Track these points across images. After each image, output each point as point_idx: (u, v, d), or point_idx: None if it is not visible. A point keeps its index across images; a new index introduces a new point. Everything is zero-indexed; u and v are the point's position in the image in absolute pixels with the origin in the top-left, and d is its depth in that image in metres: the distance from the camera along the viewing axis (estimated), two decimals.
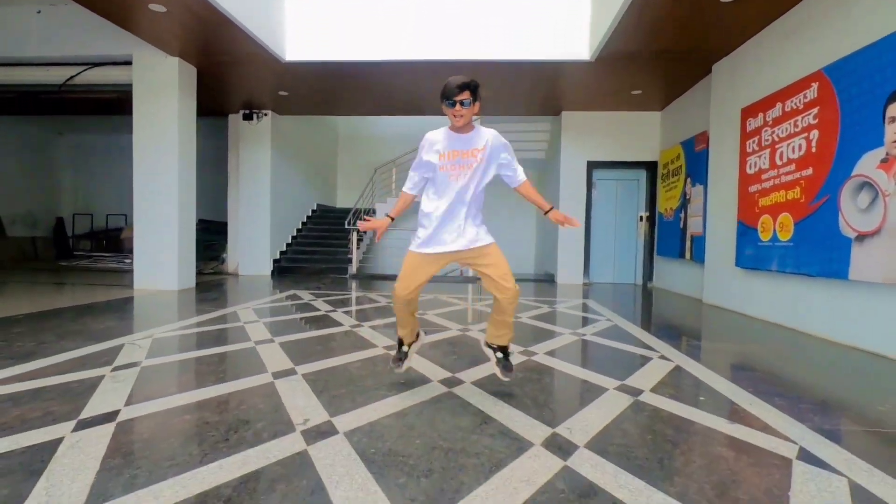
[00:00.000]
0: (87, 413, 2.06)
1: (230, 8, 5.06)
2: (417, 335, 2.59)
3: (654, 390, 2.54)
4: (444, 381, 2.61)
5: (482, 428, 1.99)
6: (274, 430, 1.91)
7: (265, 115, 8.89)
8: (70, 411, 2.08)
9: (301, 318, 4.57)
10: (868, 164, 3.50)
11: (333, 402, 2.26)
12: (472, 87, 2.14)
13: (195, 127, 6.78)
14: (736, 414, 2.23)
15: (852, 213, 3.65)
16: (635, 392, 2.49)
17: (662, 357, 3.27)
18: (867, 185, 3.50)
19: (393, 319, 4.53)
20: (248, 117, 8.86)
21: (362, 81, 7.21)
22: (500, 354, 2.45)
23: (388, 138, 12.48)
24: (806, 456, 1.80)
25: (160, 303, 5.38)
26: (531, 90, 7.42)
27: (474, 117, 2.27)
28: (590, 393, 2.48)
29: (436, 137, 2.29)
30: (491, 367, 2.64)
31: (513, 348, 3.40)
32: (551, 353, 3.31)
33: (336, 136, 12.92)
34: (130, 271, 6.56)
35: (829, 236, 3.89)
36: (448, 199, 2.25)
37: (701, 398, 2.45)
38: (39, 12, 6.40)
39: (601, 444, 1.85)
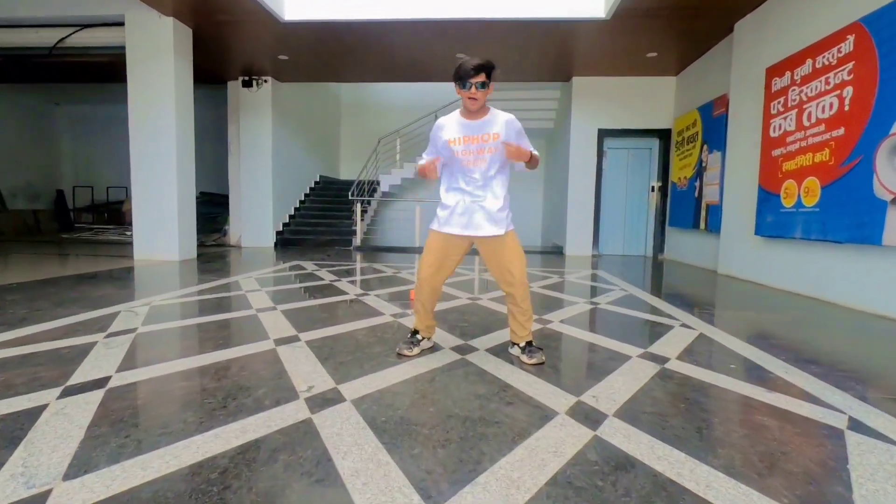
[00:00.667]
0: (75, 380, 1.92)
1: None
2: (430, 339, 2.49)
3: (680, 358, 2.38)
4: (457, 349, 2.46)
5: (501, 395, 1.84)
6: (276, 398, 1.77)
7: (265, 81, 8.59)
8: (58, 377, 1.94)
9: (304, 288, 4.42)
10: None
11: (340, 368, 2.12)
12: (488, 69, 2.08)
13: (192, 91, 6.53)
14: (772, 382, 2.07)
15: (889, 175, 3.42)
16: (661, 360, 2.34)
17: (684, 325, 3.11)
18: None
19: (400, 288, 4.39)
20: (247, 84, 8.56)
21: (365, 43, 6.89)
22: (522, 344, 2.33)
23: (393, 107, 12.13)
24: (857, 426, 1.64)
25: (160, 272, 5.24)
26: (542, 53, 7.09)
27: (488, 99, 2.19)
28: (613, 361, 2.32)
29: (446, 122, 2.24)
30: (506, 335, 2.49)
31: None
32: (566, 322, 3.16)
33: (339, 105, 12.58)
34: (132, 243, 6.41)
35: (861, 200, 3.67)
36: (465, 184, 2.23)
37: (732, 366, 2.29)
38: None
39: (631, 413, 1.70)
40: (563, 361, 2.33)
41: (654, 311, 3.59)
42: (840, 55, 3.93)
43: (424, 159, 2.29)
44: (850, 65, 3.81)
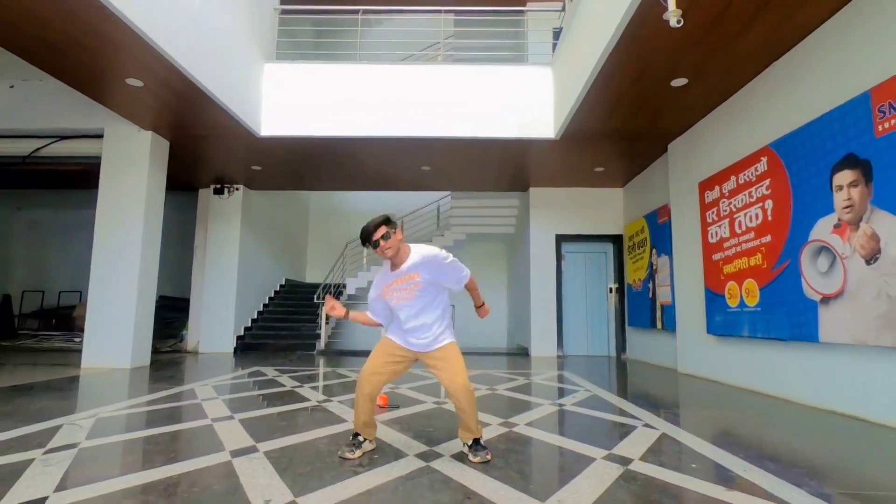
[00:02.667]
0: (7, 503, 1.77)
1: (207, 83, 5.20)
2: (372, 441, 2.55)
3: (643, 458, 2.39)
4: (421, 455, 2.41)
5: None
6: None
7: (237, 189, 8.89)
8: None
9: (263, 395, 4.26)
10: (823, 230, 3.68)
11: (299, 480, 2.03)
12: (383, 223, 2.30)
13: (163, 200, 6.68)
14: (732, 481, 2.11)
15: (814, 277, 3.77)
16: (624, 461, 2.35)
17: (647, 425, 3.14)
18: (825, 249, 3.66)
19: None
20: (219, 192, 8.83)
21: (335, 157, 7.36)
22: (470, 442, 2.42)
23: (360, 213, 12.59)
24: None
25: (109, 381, 4.96)
26: (500, 167, 7.72)
27: (409, 240, 2.48)
28: (577, 463, 2.31)
29: (377, 279, 2.48)
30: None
31: (492, 419, 3.21)
32: (532, 424, 3.14)
33: (307, 211, 12.96)
34: (80, 350, 6.09)
35: (794, 300, 3.98)
36: (410, 318, 2.41)
37: (693, 465, 2.32)
38: (12, 87, 6.42)
39: None
40: (529, 465, 2.31)
41: (619, 411, 3.62)
42: (757, 173, 4.48)
43: (333, 303, 2.41)
44: (767, 181, 4.35)
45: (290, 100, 6.60)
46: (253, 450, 2.47)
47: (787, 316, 4.07)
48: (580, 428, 3.13)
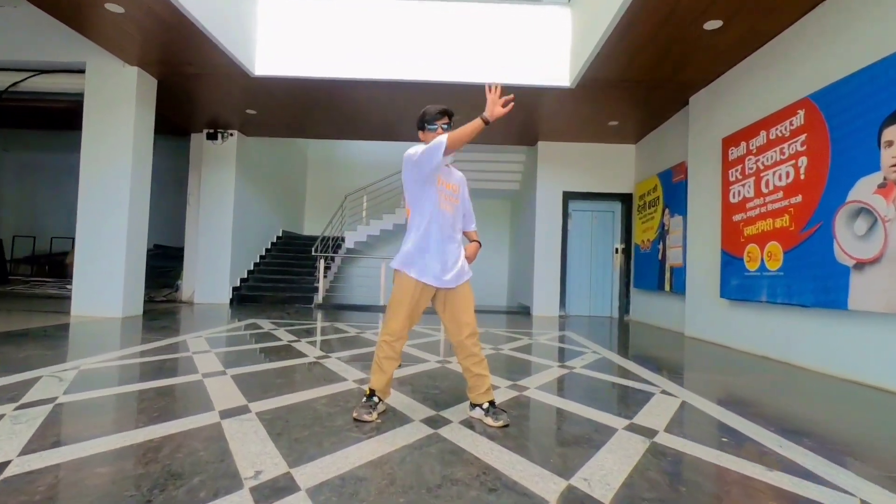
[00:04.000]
0: None
1: (196, 12, 4.74)
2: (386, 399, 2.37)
3: (668, 430, 2.21)
4: (428, 421, 2.22)
5: (482, 480, 1.61)
6: (215, 487, 1.48)
7: (231, 135, 8.46)
8: None
9: (259, 349, 4.08)
10: (864, 190, 3.40)
11: (295, 447, 1.83)
12: (450, 115, 2.23)
13: (152, 143, 6.29)
14: (769, 457, 1.92)
15: (849, 241, 3.52)
16: (649, 433, 2.16)
17: (664, 392, 2.97)
18: (864, 210, 3.38)
19: (363, 350, 4.11)
20: (212, 137, 8.41)
21: (335, 101, 6.93)
22: (485, 405, 2.23)
23: (360, 164, 12.18)
24: None
25: (98, 331, 4.77)
26: (509, 117, 7.23)
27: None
28: (598, 434, 2.13)
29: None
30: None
31: (500, 381, 3.03)
32: (543, 388, 2.97)
33: (305, 161, 12.53)
34: (71, 297, 5.89)
35: (823, 265, 3.74)
36: (439, 228, 2.22)
37: (724, 439, 2.13)
38: None
39: (630, 500, 1.50)
40: (546, 435, 2.12)
41: (631, 376, 3.45)
42: (792, 128, 4.15)
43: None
44: (803, 137, 4.02)
45: (287, 37, 6.11)
46: (245, 410, 2.28)
47: (813, 281, 3.84)
48: (594, 393, 2.95)
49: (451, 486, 1.55)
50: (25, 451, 1.71)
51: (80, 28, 5.08)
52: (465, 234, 2.46)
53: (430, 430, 2.09)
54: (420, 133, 2.28)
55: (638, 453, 1.91)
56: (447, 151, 2.07)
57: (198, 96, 6.97)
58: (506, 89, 2.18)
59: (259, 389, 2.68)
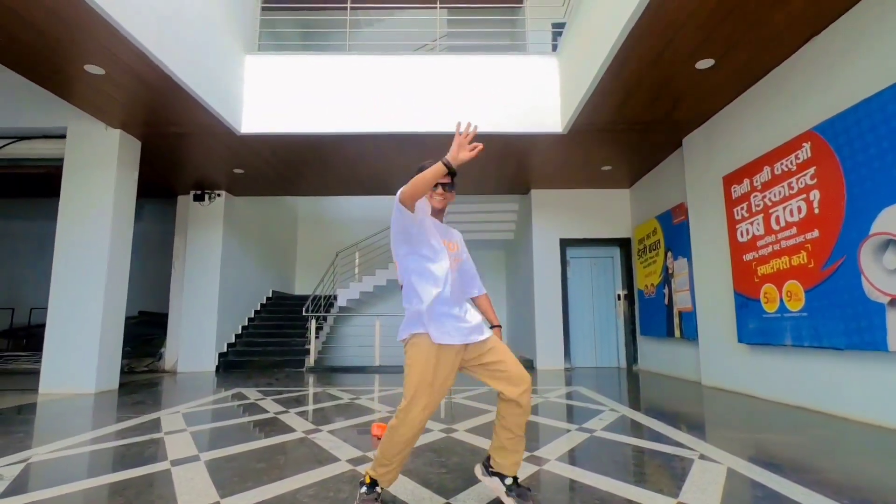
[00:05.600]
0: None
1: (179, 72, 4.64)
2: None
3: None
4: None
5: None
6: None
7: (218, 195, 8.28)
8: None
9: (240, 425, 3.65)
10: (890, 221, 3.18)
11: None
12: (453, 172, 1.81)
13: (134, 206, 6.06)
14: None
15: (879, 275, 3.26)
16: None
17: (703, 457, 2.59)
18: (893, 242, 3.15)
19: (359, 420, 3.70)
20: (199, 198, 8.22)
21: (322, 156, 6.81)
22: (508, 481, 1.84)
23: (352, 220, 11.99)
24: None
25: (65, 411, 4.32)
26: (500, 166, 7.20)
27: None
28: None
29: (419, 215, 1.86)
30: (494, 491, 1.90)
31: None
32: (565, 459, 2.58)
33: (295, 219, 12.32)
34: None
35: (853, 303, 3.47)
36: (450, 283, 1.88)
37: None
38: None
39: None
40: None
41: (660, 437, 3.06)
42: (799, 161, 3.99)
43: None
44: (812, 170, 3.85)
45: (274, 95, 6.06)
46: None
47: (844, 321, 3.55)
48: (625, 463, 2.56)
49: None
50: None
51: (59, 91, 4.95)
52: (474, 300, 2.15)
53: None
54: None
55: None
56: (406, 205, 1.76)
57: (183, 157, 6.82)
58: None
59: (236, 478, 2.28)
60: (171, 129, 5.83)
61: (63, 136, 5.82)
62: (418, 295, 1.83)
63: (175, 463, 2.55)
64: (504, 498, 1.83)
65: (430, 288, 1.83)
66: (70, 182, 5.64)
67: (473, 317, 1.92)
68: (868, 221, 3.34)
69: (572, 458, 2.62)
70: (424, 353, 1.78)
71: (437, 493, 2.06)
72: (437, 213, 1.98)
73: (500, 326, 2.09)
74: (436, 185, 1.87)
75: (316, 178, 7.92)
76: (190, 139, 6.14)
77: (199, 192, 8.21)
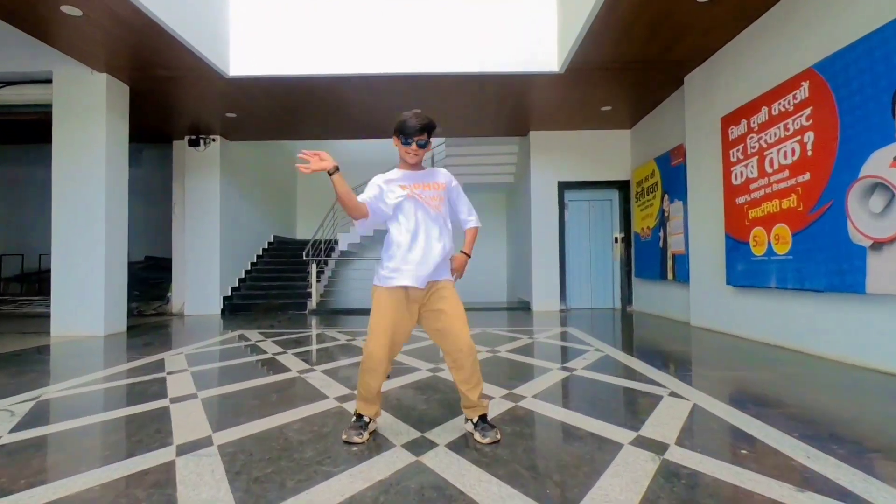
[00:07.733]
0: None
1: (159, 12, 4.47)
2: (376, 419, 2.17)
3: (680, 443, 1.97)
4: (410, 446, 1.98)
5: None
6: None
7: (213, 140, 8.20)
8: None
9: (239, 366, 3.84)
10: (878, 164, 3.14)
11: (252, 490, 1.60)
12: (430, 129, 2.06)
13: (127, 151, 6.04)
14: (797, 473, 1.68)
15: (864, 219, 3.26)
16: (659, 447, 1.92)
17: (673, 394, 2.73)
18: (880, 186, 3.13)
19: (353, 360, 3.87)
20: (194, 143, 8.15)
21: (316, 99, 6.67)
22: (475, 420, 2.06)
23: (351, 163, 11.79)
24: None
25: (75, 352, 4.54)
26: (497, 107, 7.04)
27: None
28: (601, 452, 1.89)
29: (392, 176, 2.14)
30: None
31: (495, 391, 2.80)
32: (541, 396, 2.73)
33: (294, 162, 12.22)
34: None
35: (837, 246, 3.49)
36: (427, 229, 2.06)
37: (743, 451, 1.90)
38: None
39: None
40: (542, 457, 1.88)
41: (637, 376, 3.21)
42: (796, 101, 3.88)
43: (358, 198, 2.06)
44: (808, 110, 3.76)
45: (262, 35, 5.84)
46: (207, 442, 2.04)
47: (826, 264, 3.60)
48: (596, 400, 2.71)
49: None
50: None
51: (39, 34, 4.80)
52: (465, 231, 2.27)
53: (411, 458, 1.85)
54: (394, 138, 2.12)
55: (647, 475, 1.67)
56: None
57: (173, 101, 6.70)
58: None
59: (230, 414, 2.45)
60: (159, 73, 5.70)
61: (49, 81, 5.73)
62: (385, 247, 2.10)
63: (174, 400, 2.73)
64: (476, 436, 2.03)
65: (394, 240, 2.07)
66: (60, 128, 5.61)
67: (432, 259, 2.02)
68: (858, 164, 3.30)
69: (547, 395, 2.76)
70: (376, 297, 2.06)
71: (414, 425, 2.21)
72: (413, 166, 2.14)
73: (468, 255, 2.21)
74: (409, 143, 2.04)
75: (311, 122, 7.80)
76: (178, 83, 6.01)
77: (193, 137, 8.12)
